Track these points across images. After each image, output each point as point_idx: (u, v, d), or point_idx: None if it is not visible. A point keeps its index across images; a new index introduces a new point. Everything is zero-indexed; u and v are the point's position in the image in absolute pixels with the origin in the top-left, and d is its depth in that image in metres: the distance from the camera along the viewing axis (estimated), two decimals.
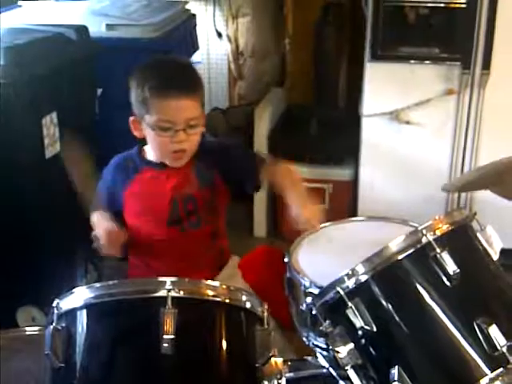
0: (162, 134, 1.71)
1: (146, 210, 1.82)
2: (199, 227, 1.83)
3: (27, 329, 1.63)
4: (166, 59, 2.09)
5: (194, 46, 3.27)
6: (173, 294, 1.20)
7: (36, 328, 1.59)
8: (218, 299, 1.25)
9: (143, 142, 1.83)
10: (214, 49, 3.70)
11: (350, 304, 1.34)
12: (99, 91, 2.67)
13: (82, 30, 2.53)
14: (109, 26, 2.69)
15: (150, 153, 1.82)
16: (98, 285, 1.25)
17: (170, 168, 1.79)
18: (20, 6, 2.93)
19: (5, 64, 2.07)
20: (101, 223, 1.71)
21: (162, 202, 1.80)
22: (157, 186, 1.81)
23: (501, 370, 1.28)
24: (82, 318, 1.24)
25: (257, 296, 1.60)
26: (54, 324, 1.23)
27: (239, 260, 1.99)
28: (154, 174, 1.80)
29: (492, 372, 1.28)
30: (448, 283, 1.33)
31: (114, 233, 1.67)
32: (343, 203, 3.10)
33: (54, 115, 2.27)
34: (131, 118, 1.77)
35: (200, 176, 1.81)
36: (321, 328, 1.42)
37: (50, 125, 2.25)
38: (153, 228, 1.82)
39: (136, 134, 1.78)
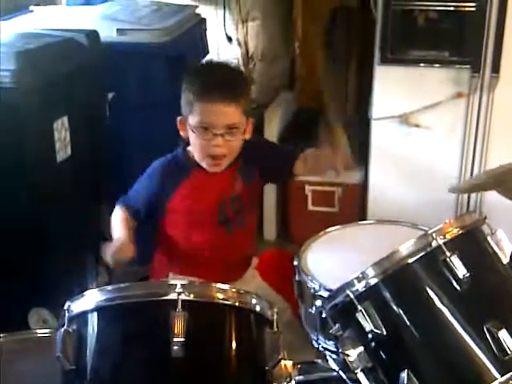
0: (201, 136, 1.75)
1: (195, 212, 1.85)
2: (243, 225, 1.90)
3: (38, 331, 1.64)
4: (217, 63, 2.13)
5: (204, 50, 3.27)
6: (183, 297, 1.20)
7: (47, 330, 1.60)
8: (227, 302, 1.26)
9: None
10: (224, 53, 3.70)
11: (359, 307, 1.34)
12: (110, 95, 2.68)
13: (92, 34, 2.54)
14: (119, 31, 2.70)
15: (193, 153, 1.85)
16: (109, 287, 1.26)
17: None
18: (31, 10, 2.94)
19: (16, 68, 2.08)
20: (117, 233, 1.75)
21: (210, 201, 1.84)
22: (206, 187, 1.84)
23: (511, 374, 1.28)
24: (93, 320, 1.25)
25: (275, 294, 1.63)
26: (65, 326, 1.24)
27: (256, 260, 2.03)
28: (203, 175, 1.83)
29: (502, 376, 1.28)
30: (458, 287, 1.33)
31: (125, 245, 1.69)
32: (353, 206, 3.10)
33: (66, 119, 2.28)
34: (179, 118, 1.82)
35: (244, 174, 1.88)
36: (330, 331, 1.42)
37: (62, 129, 2.26)
38: (199, 229, 1.86)
39: (182, 133, 1.83)
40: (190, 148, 1.86)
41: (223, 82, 1.77)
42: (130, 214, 1.83)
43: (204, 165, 1.82)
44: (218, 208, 1.84)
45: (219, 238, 1.87)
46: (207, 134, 1.74)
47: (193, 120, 1.76)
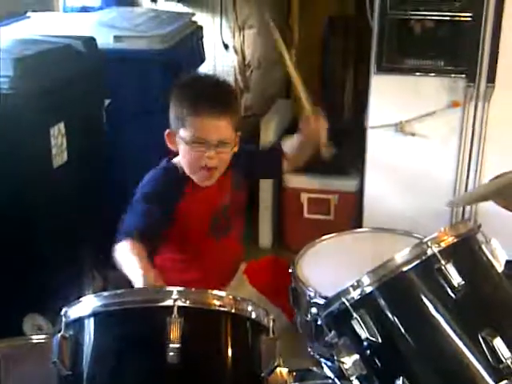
0: (194, 148, 1.76)
1: (191, 223, 1.84)
2: (230, 233, 1.91)
3: (34, 337, 1.64)
4: (207, 77, 2.14)
5: (200, 58, 3.28)
6: (179, 303, 1.20)
7: (43, 336, 1.60)
8: (223, 309, 1.25)
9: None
10: (220, 60, 3.71)
11: (355, 315, 1.35)
12: (107, 102, 2.68)
13: (90, 41, 2.54)
14: (117, 38, 2.70)
15: (182, 165, 1.84)
16: (105, 293, 1.26)
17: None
18: (29, 17, 2.94)
19: (13, 75, 2.09)
20: (134, 266, 1.49)
21: (206, 214, 1.84)
22: (202, 198, 1.84)
23: (505, 382, 1.29)
24: (90, 326, 1.25)
25: (264, 299, 1.63)
26: (61, 332, 1.24)
27: (244, 264, 2.03)
28: (194, 189, 1.83)
29: None
30: (453, 295, 1.34)
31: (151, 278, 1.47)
32: (348, 214, 3.11)
33: (62, 125, 2.29)
34: (167, 131, 1.82)
35: (235, 182, 1.91)
36: (326, 338, 1.43)
37: (58, 135, 2.26)
38: (191, 240, 1.85)
39: (171, 146, 1.83)
40: (175, 160, 1.86)
41: (216, 97, 1.78)
42: (137, 241, 1.60)
43: (195, 178, 1.82)
44: (212, 219, 1.85)
45: (208, 249, 1.87)
46: (200, 146, 1.75)
47: (185, 134, 1.76)
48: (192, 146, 1.76)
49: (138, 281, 1.42)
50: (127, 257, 1.54)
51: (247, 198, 1.98)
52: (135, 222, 1.67)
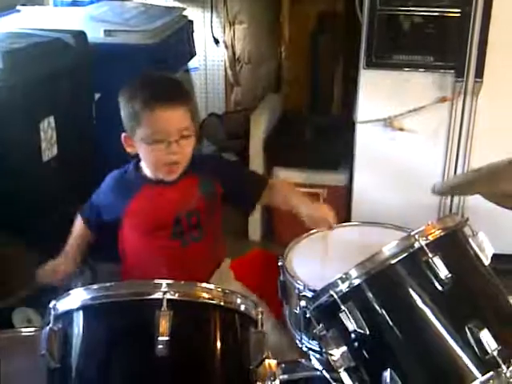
0: (155, 147, 1.71)
1: (148, 226, 1.81)
2: (201, 240, 1.83)
3: (23, 330, 1.64)
4: (153, 74, 2.08)
5: (191, 52, 3.28)
6: (168, 296, 1.21)
7: (32, 329, 1.60)
8: (212, 302, 1.27)
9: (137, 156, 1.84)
10: (211, 55, 3.72)
11: (343, 307, 1.36)
12: (97, 96, 2.68)
13: (80, 35, 2.54)
14: (107, 32, 2.70)
15: (147, 169, 1.81)
16: (94, 286, 1.26)
17: (170, 184, 1.79)
18: (18, 10, 2.94)
19: (3, 68, 2.09)
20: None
21: (164, 218, 1.79)
22: (159, 202, 1.80)
23: (491, 373, 1.30)
24: (79, 319, 1.25)
25: (250, 295, 1.63)
26: (50, 325, 1.25)
27: (230, 261, 1.99)
28: (155, 191, 1.80)
29: (483, 376, 1.30)
30: (440, 288, 1.34)
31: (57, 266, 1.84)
32: (337, 208, 3.06)
33: (52, 119, 2.28)
34: (123, 135, 1.78)
35: (203, 188, 1.82)
36: (314, 331, 1.44)
37: (48, 129, 2.26)
38: (153, 243, 1.82)
39: (129, 150, 1.79)
40: (142, 163, 1.82)
41: (167, 88, 1.77)
42: (84, 224, 1.91)
43: (160, 175, 1.78)
44: (173, 222, 1.79)
45: (174, 252, 1.81)
46: (161, 143, 1.70)
47: (143, 132, 1.71)
48: (152, 144, 1.71)
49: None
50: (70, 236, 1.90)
51: (222, 207, 1.88)
52: (84, 207, 1.92)
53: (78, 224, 1.92)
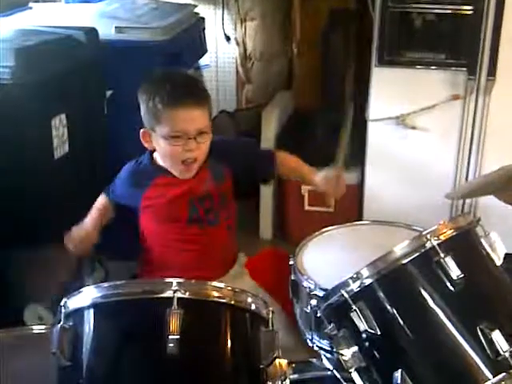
0: (174, 143, 1.75)
1: (164, 213, 1.86)
2: (217, 224, 1.88)
3: (34, 327, 1.64)
4: (173, 72, 2.13)
5: (202, 49, 3.28)
6: (179, 294, 1.21)
7: (43, 326, 1.60)
8: (223, 300, 1.26)
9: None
10: (222, 52, 3.71)
11: (354, 307, 1.35)
12: (108, 93, 2.68)
13: (91, 32, 2.54)
14: (118, 29, 2.70)
15: (162, 161, 1.85)
16: (105, 284, 1.26)
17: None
18: (31, 7, 2.95)
19: (15, 65, 2.09)
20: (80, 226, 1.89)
21: (179, 204, 1.84)
22: (173, 189, 1.84)
23: (503, 374, 1.29)
24: (89, 317, 1.26)
25: (264, 293, 1.63)
26: (61, 323, 1.25)
27: (246, 258, 2.02)
28: (168, 179, 1.84)
29: (494, 377, 1.29)
30: (451, 288, 1.34)
31: (83, 233, 1.87)
32: (349, 207, 3.11)
33: (64, 116, 2.29)
34: (142, 130, 1.82)
35: (214, 173, 1.87)
36: (325, 330, 1.44)
37: (60, 126, 2.27)
38: (172, 229, 1.86)
39: (146, 145, 1.84)
40: (156, 154, 1.87)
41: (188, 88, 1.80)
42: (109, 200, 1.95)
43: (175, 172, 1.83)
44: (188, 207, 1.84)
45: (193, 237, 1.87)
46: (180, 140, 1.75)
47: (163, 130, 1.75)
48: (171, 140, 1.75)
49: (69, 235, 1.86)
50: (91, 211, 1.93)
51: (232, 189, 1.94)
52: (110, 187, 1.95)
53: (102, 200, 1.96)
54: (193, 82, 1.91)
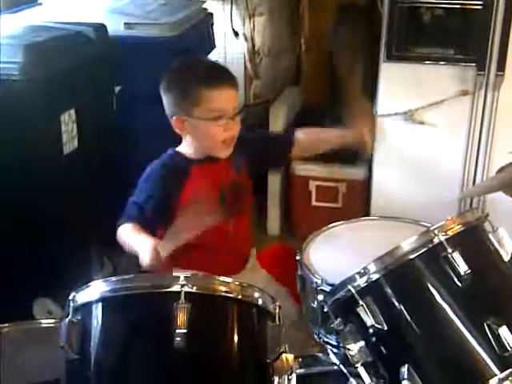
0: (215, 124, 1.79)
1: (197, 204, 1.84)
2: (242, 212, 1.93)
3: (43, 321, 1.65)
4: (198, 59, 2.20)
5: (210, 45, 3.28)
6: (186, 289, 1.22)
7: (51, 320, 1.61)
8: (230, 295, 1.27)
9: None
10: (230, 47, 3.70)
11: (361, 302, 1.36)
12: (117, 89, 2.69)
13: (100, 28, 2.55)
14: (127, 25, 2.71)
15: (187, 151, 1.87)
16: (113, 278, 1.27)
17: (214, 161, 1.86)
18: (40, 3, 2.96)
19: (24, 61, 2.10)
20: (143, 239, 1.63)
21: (214, 194, 1.85)
22: (209, 180, 1.86)
23: (510, 370, 1.30)
24: (98, 311, 1.26)
25: (279, 286, 1.62)
26: (69, 316, 1.26)
27: (255, 251, 2.04)
28: (203, 170, 1.86)
29: (501, 372, 1.30)
30: (459, 283, 1.34)
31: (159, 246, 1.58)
32: (356, 202, 3.11)
33: (73, 112, 2.30)
34: (174, 118, 1.82)
35: (236, 163, 1.92)
36: (332, 325, 1.44)
37: (69, 121, 2.28)
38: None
39: (181, 132, 1.85)
40: (179, 148, 1.88)
41: (222, 70, 1.88)
42: (141, 226, 1.73)
43: (215, 152, 1.85)
44: (219, 197, 1.86)
45: (222, 226, 1.86)
46: (221, 120, 1.78)
47: (202, 111, 1.78)
48: (212, 121, 1.78)
49: (145, 250, 1.54)
50: (131, 235, 1.68)
51: (253, 188, 1.98)
52: (133, 214, 1.76)
53: (134, 227, 1.73)
54: (222, 66, 1.97)
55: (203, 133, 1.82)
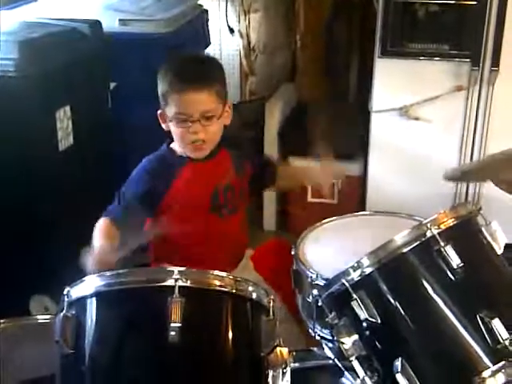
0: (179, 126, 1.78)
1: (188, 202, 1.86)
2: (235, 212, 1.92)
3: (39, 317, 1.66)
4: (186, 55, 2.18)
5: (206, 42, 3.28)
6: (180, 283, 1.22)
7: (47, 316, 1.62)
8: (224, 289, 1.27)
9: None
10: (225, 44, 3.71)
11: (354, 296, 1.36)
12: (112, 85, 2.69)
13: (95, 24, 2.55)
14: (122, 21, 2.71)
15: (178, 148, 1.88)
16: (108, 273, 1.28)
17: (207, 159, 1.86)
18: (36, 0, 2.96)
19: (19, 58, 2.10)
20: (98, 243, 1.64)
21: (204, 192, 1.86)
22: (198, 179, 1.86)
23: (503, 363, 1.30)
24: (92, 305, 1.27)
25: (267, 287, 1.65)
26: (64, 311, 1.26)
27: (251, 251, 2.04)
28: (195, 167, 1.86)
29: (494, 365, 1.30)
30: (452, 276, 1.34)
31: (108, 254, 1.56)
32: (352, 198, 3.11)
33: (68, 108, 2.30)
34: (159, 112, 1.85)
35: (236, 166, 1.92)
36: (326, 319, 1.45)
37: (64, 118, 2.28)
38: (192, 217, 1.86)
39: (163, 126, 1.86)
40: (173, 144, 1.89)
41: (193, 71, 1.82)
42: (115, 226, 1.71)
43: (187, 153, 1.85)
44: (211, 196, 1.87)
45: (212, 225, 1.88)
46: (185, 122, 1.77)
47: (169, 111, 1.79)
48: (176, 122, 1.78)
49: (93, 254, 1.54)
50: (97, 233, 1.68)
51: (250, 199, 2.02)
52: (116, 213, 1.76)
53: (106, 226, 1.73)
54: (202, 64, 1.90)
55: (173, 133, 1.83)
